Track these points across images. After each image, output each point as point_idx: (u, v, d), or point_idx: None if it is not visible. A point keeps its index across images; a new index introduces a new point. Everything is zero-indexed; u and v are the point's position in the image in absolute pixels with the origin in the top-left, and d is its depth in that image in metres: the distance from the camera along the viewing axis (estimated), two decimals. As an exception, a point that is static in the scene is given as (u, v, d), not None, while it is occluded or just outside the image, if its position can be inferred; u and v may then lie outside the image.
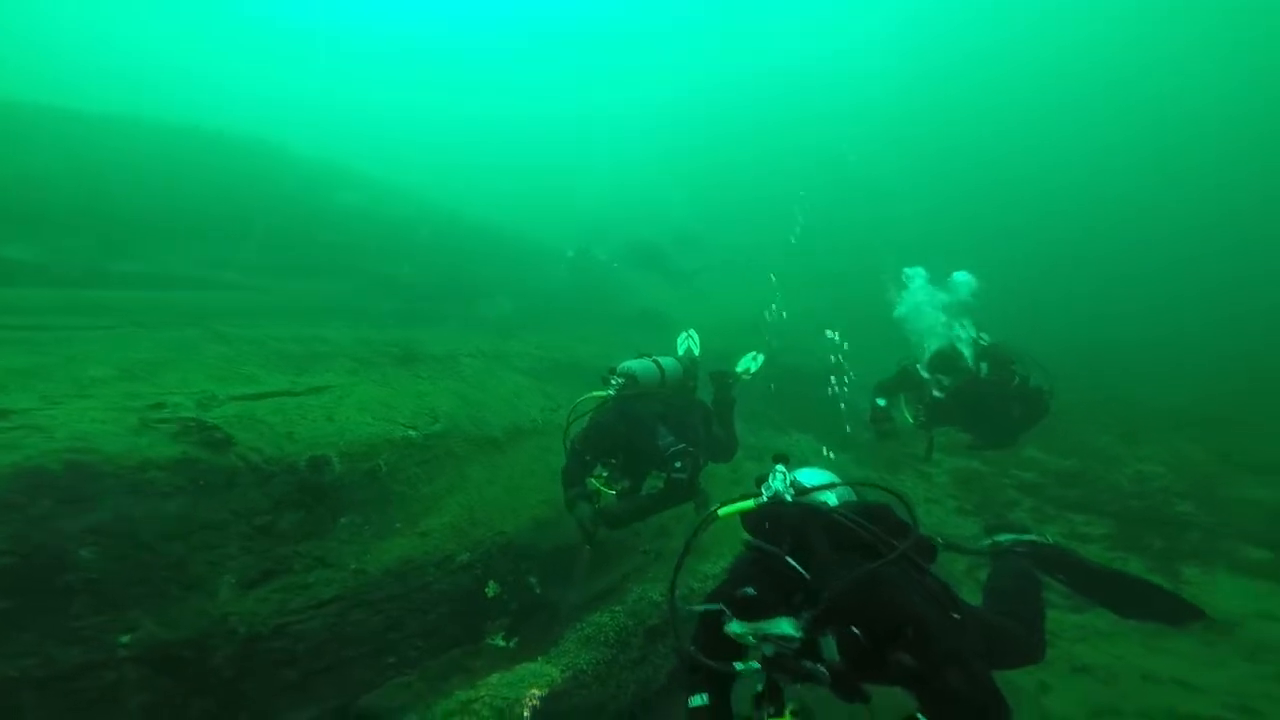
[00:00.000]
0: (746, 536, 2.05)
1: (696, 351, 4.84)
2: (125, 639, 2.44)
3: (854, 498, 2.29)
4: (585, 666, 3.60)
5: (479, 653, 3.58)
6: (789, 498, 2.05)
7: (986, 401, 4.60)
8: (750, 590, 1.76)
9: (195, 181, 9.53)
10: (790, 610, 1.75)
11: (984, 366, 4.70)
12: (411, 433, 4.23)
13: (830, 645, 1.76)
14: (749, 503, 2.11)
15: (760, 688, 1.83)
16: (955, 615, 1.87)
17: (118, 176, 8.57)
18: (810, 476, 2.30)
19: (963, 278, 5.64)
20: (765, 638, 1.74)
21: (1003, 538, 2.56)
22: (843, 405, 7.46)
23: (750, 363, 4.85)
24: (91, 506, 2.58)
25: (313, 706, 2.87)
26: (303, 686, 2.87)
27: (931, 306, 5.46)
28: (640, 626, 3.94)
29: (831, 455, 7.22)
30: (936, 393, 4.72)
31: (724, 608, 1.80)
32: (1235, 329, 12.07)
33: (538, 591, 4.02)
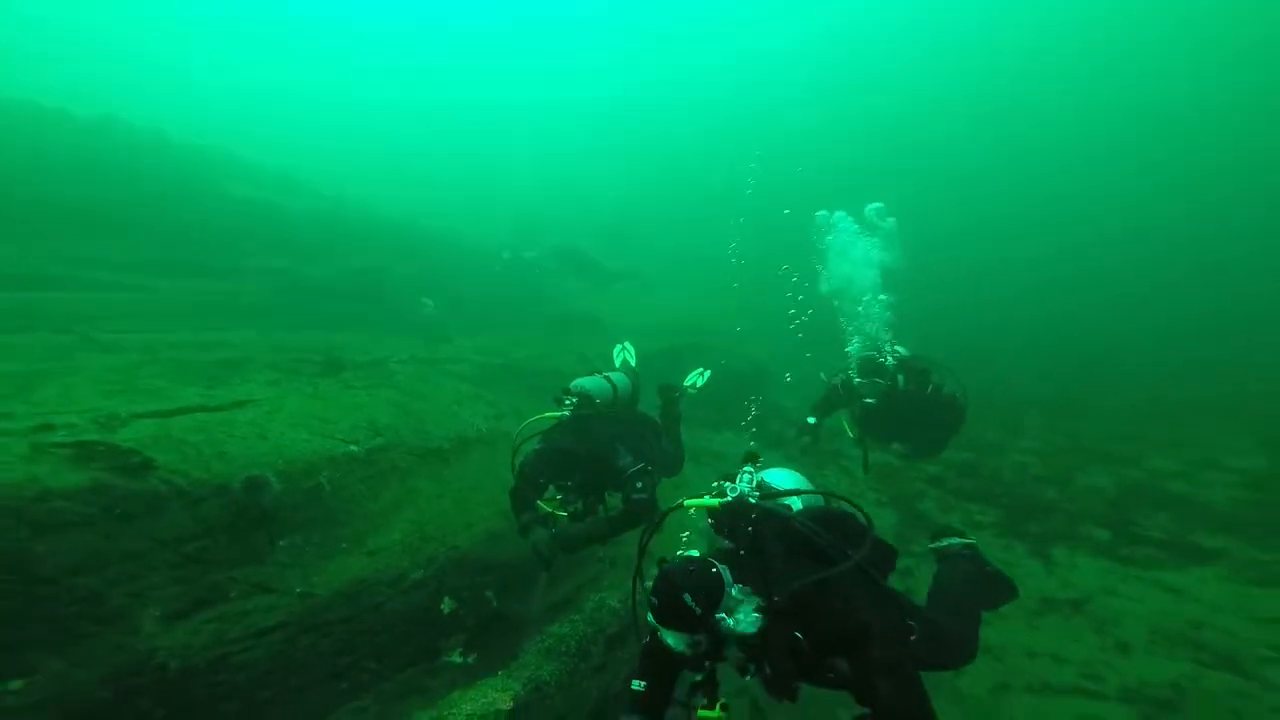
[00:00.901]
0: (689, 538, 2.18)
1: (633, 362, 4.91)
2: (15, 684, 2.17)
3: (819, 502, 2.34)
4: (547, 678, 3.60)
5: (436, 671, 3.49)
6: (753, 499, 2.09)
7: (906, 412, 4.87)
8: (654, 599, 1.86)
9: (56, 170, 8.40)
10: (682, 629, 1.83)
11: (900, 378, 4.96)
12: (353, 448, 4.04)
13: (732, 654, 1.88)
14: (714, 500, 2.17)
15: (699, 678, 1.93)
16: (910, 622, 1.96)
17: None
18: (778, 478, 2.36)
19: (875, 208, 5.93)
20: (663, 639, 1.86)
21: (947, 542, 2.67)
22: (753, 410, 7.78)
23: (697, 378, 4.92)
24: None
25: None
26: (246, 723, 2.68)
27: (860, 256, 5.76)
28: (600, 634, 3.99)
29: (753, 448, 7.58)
30: (869, 399, 4.91)
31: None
32: (1097, 328, 14.02)
33: (495, 605, 3.97)
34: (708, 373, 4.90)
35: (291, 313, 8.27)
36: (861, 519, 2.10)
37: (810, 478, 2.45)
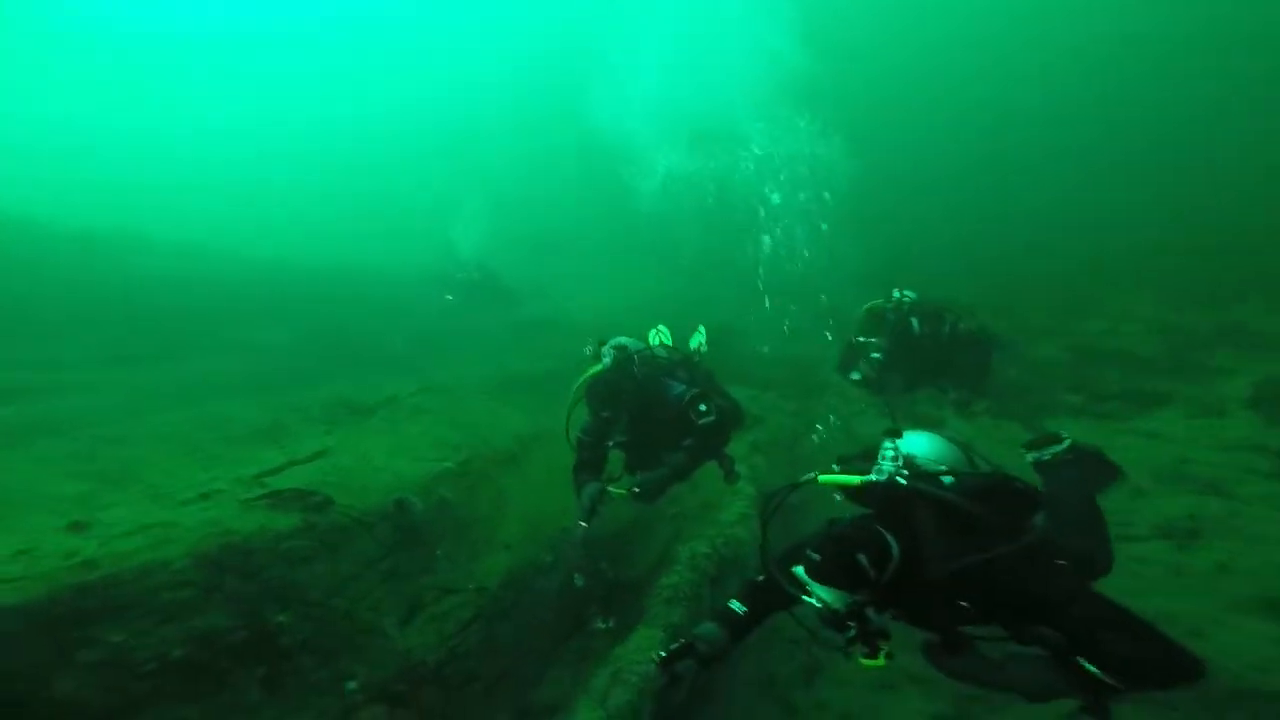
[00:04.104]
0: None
1: (704, 345, 5.04)
2: (352, 685, 2.82)
3: (966, 467, 2.38)
4: (678, 621, 4.46)
5: (591, 636, 4.27)
6: (902, 480, 2.08)
7: (928, 354, 5.32)
8: (815, 555, 1.98)
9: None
10: (844, 587, 1.93)
11: (914, 322, 5.38)
12: (447, 464, 4.69)
13: (880, 619, 1.97)
14: (855, 478, 2.15)
15: (852, 632, 1.97)
16: (1059, 561, 1.98)
17: None
18: (925, 450, 2.36)
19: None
20: (816, 595, 1.98)
21: (1051, 451, 2.66)
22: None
23: (699, 338, 5.07)
24: (258, 578, 2.87)
25: (501, 713, 3.40)
26: (490, 695, 3.38)
27: None
28: (704, 579, 4.88)
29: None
30: (875, 354, 5.44)
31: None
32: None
33: (610, 575, 4.77)
34: (702, 328, 5.09)
35: (265, 379, 8.43)
36: (1020, 485, 2.18)
37: (964, 445, 2.48)
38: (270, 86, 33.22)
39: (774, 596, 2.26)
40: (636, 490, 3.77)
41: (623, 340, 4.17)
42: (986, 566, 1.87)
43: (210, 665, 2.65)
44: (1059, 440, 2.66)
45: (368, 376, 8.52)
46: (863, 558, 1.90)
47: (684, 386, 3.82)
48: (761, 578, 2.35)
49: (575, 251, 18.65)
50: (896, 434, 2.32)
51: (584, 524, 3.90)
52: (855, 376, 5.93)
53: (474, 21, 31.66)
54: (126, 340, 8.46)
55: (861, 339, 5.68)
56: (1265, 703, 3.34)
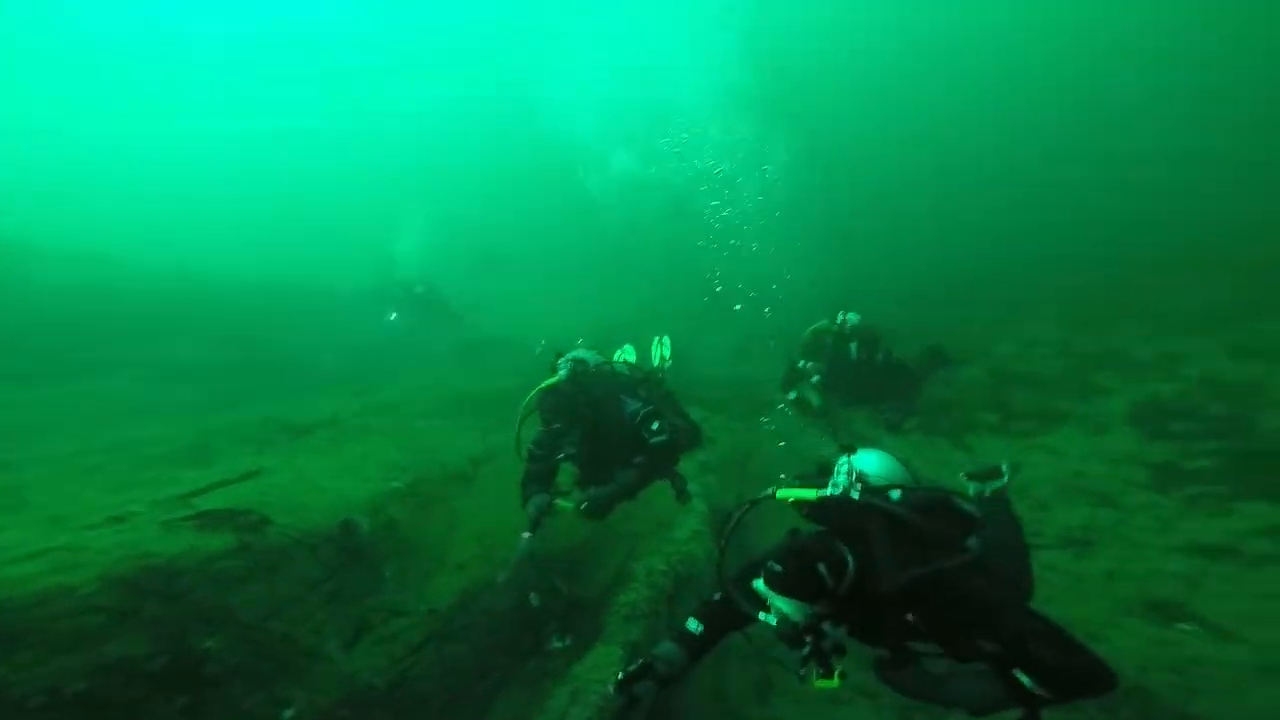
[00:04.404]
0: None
1: (667, 355, 5.04)
2: (289, 712, 2.61)
3: (911, 484, 2.45)
4: (637, 638, 4.41)
5: (549, 656, 4.14)
6: (855, 495, 2.14)
7: (863, 378, 5.74)
8: (777, 566, 1.99)
9: None
10: (803, 598, 1.95)
11: (852, 347, 5.81)
12: (395, 484, 4.49)
13: (837, 633, 2.00)
14: (811, 492, 2.20)
15: (805, 650, 2.00)
16: (996, 578, 2.07)
17: None
18: (877, 468, 2.43)
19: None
20: (776, 609, 1.99)
21: (989, 486, 2.82)
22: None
23: (661, 349, 5.02)
24: (183, 601, 2.64)
25: (451, 735, 3.23)
26: (444, 718, 3.20)
27: None
28: (661, 595, 4.86)
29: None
30: (815, 378, 5.89)
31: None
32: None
33: (565, 592, 4.66)
34: (666, 339, 5.05)
35: (181, 399, 7.83)
36: (959, 504, 2.29)
37: (904, 462, 2.57)
38: (208, 94, 31.65)
39: (730, 616, 2.29)
40: (583, 506, 3.72)
41: (580, 354, 4.13)
42: (934, 580, 1.93)
43: (118, 697, 2.38)
44: (1000, 475, 2.86)
45: (303, 397, 8.07)
46: (822, 567, 1.94)
47: (638, 404, 3.80)
48: (718, 596, 2.37)
49: (525, 267, 18.44)
50: (850, 450, 2.41)
51: (527, 534, 3.80)
52: (791, 396, 6.23)
53: (421, 34, 31.39)
54: (8, 356, 7.68)
55: (802, 363, 5.95)
56: (1150, 698, 3.72)
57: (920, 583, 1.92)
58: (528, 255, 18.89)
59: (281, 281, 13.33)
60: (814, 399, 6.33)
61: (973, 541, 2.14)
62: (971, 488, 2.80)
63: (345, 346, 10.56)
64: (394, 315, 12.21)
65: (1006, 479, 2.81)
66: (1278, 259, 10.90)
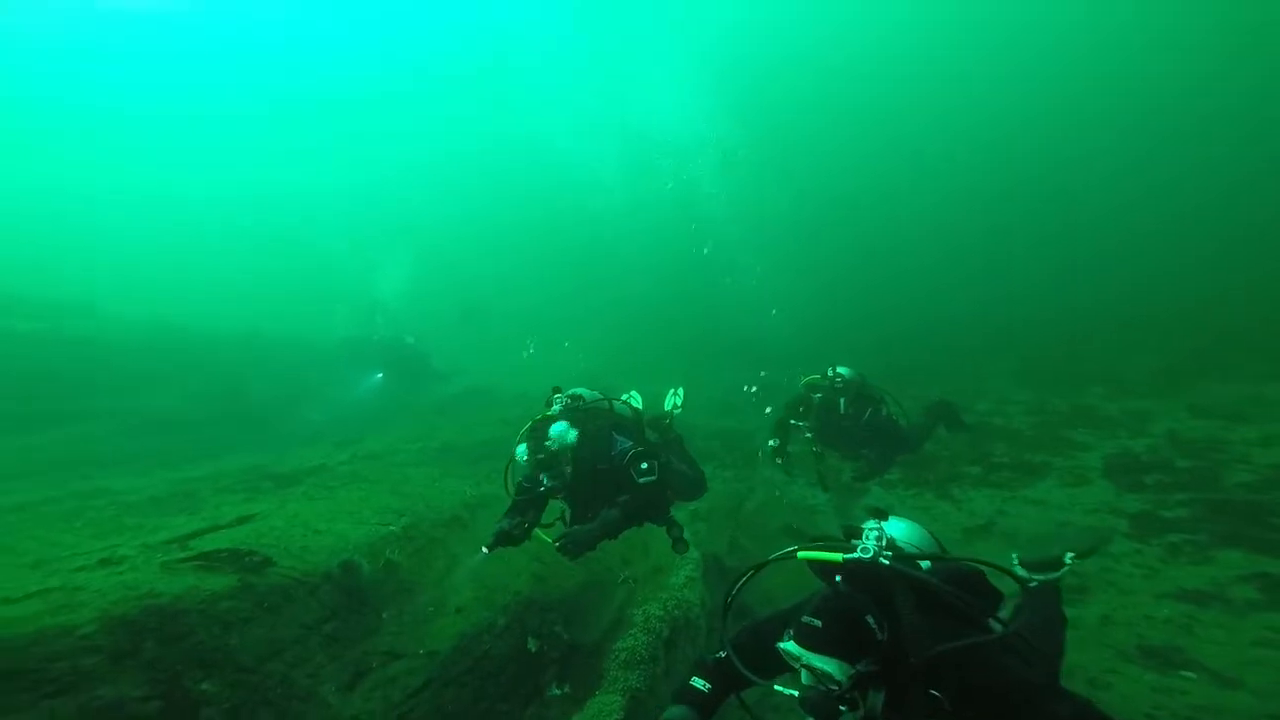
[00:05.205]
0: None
1: (679, 404, 5.03)
2: None
3: (939, 553, 2.36)
4: (637, 684, 4.26)
5: (548, 703, 3.97)
6: (884, 561, 2.02)
7: (849, 433, 5.65)
8: (816, 621, 1.85)
9: None
10: (845, 656, 1.80)
11: (841, 402, 5.69)
12: (392, 528, 4.38)
13: (877, 700, 1.84)
14: (836, 555, 2.07)
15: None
16: (1031, 655, 1.99)
17: None
18: (903, 532, 2.35)
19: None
20: (812, 668, 1.81)
21: (1042, 575, 2.66)
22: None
23: (675, 398, 5.04)
24: (184, 643, 2.53)
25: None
26: (439, 768, 3.03)
27: None
28: (659, 640, 4.73)
29: None
30: (808, 434, 5.82)
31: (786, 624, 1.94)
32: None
33: (565, 637, 4.51)
34: (681, 390, 5.11)
35: (160, 451, 7.59)
36: (986, 578, 2.16)
37: (936, 532, 2.47)
38: (193, 145, 31.63)
39: (734, 677, 2.18)
40: (558, 543, 3.56)
41: (580, 390, 4.10)
42: (966, 654, 1.81)
43: (111, 743, 2.24)
44: (1059, 568, 2.73)
45: (285, 449, 7.88)
46: (870, 619, 1.81)
47: (630, 443, 3.71)
48: (722, 654, 2.23)
49: (508, 314, 18.46)
50: (882, 515, 2.31)
51: (485, 549, 3.66)
52: (772, 444, 6.18)
53: (410, 88, 31.43)
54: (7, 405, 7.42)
55: (794, 421, 5.97)
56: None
57: (950, 656, 1.79)
58: (514, 306, 19.05)
59: (262, 333, 13.16)
60: (796, 450, 6.27)
61: (1005, 617, 2.04)
62: (1023, 573, 2.66)
63: (326, 400, 10.42)
64: (380, 374, 12.08)
65: (1063, 572, 2.66)
66: (1228, 325, 11.60)
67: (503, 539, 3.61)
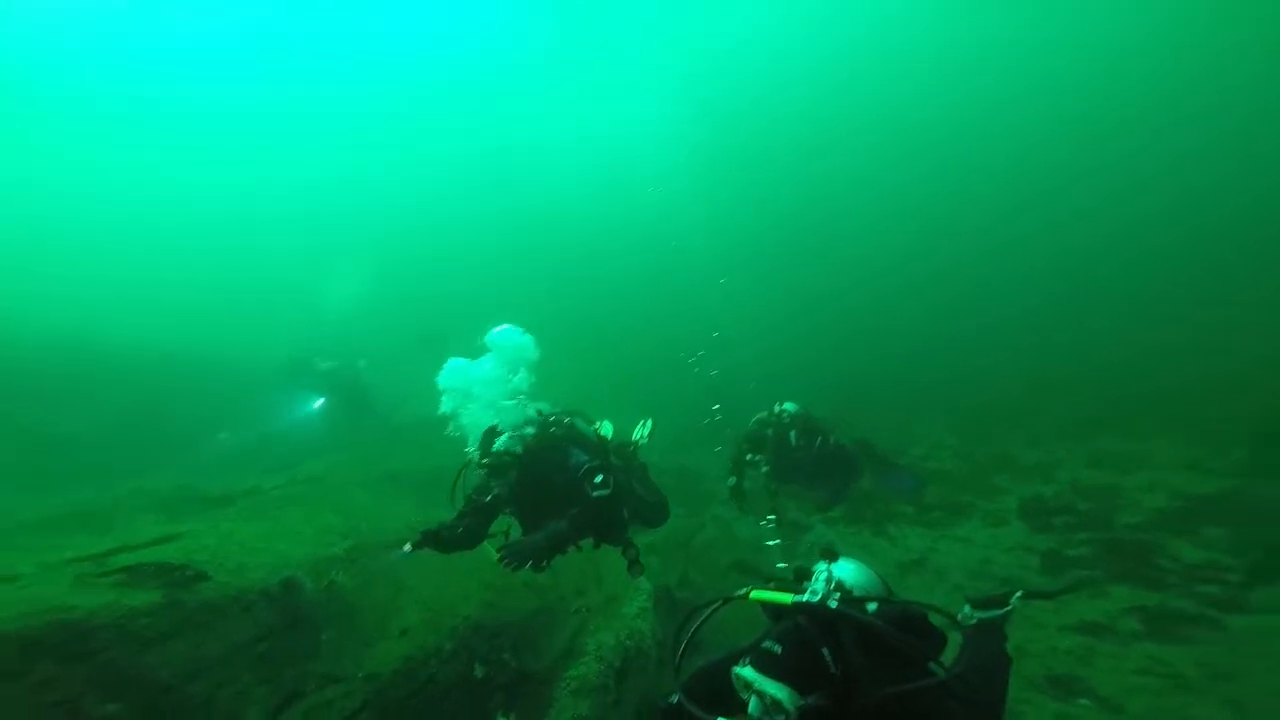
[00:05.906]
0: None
1: (647, 435, 4.84)
2: None
3: (886, 595, 2.36)
4: (586, 713, 4.11)
5: (494, 733, 3.74)
6: (832, 604, 2.04)
7: (802, 465, 5.75)
8: (776, 648, 1.89)
9: None
10: (799, 686, 1.82)
11: (792, 435, 5.78)
12: (335, 549, 4.13)
13: None
14: (786, 596, 2.10)
15: None
16: (974, 698, 2.03)
17: None
18: (851, 574, 2.37)
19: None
20: (763, 694, 1.84)
21: (986, 614, 2.65)
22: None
23: (642, 429, 4.88)
24: (91, 662, 2.28)
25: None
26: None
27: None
28: (610, 670, 4.60)
29: None
30: (764, 469, 5.87)
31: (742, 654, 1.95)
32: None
33: (514, 664, 4.30)
34: (649, 421, 4.93)
35: (65, 472, 6.89)
36: (936, 624, 2.18)
37: (884, 575, 2.50)
38: (135, 143, 29.08)
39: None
40: (500, 552, 3.29)
41: (544, 405, 4.01)
42: (909, 698, 1.83)
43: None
44: (1002, 606, 2.68)
45: (215, 473, 7.29)
46: (827, 652, 1.85)
47: (586, 457, 3.57)
48: (675, 699, 2.15)
49: (470, 340, 17.62)
50: (832, 556, 2.32)
51: (408, 548, 3.42)
52: (730, 483, 6.26)
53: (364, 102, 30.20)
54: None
55: (749, 456, 6.08)
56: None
57: (896, 698, 1.82)
58: (472, 331, 18.29)
59: (190, 349, 12.20)
60: (751, 486, 6.29)
61: (947, 662, 2.05)
62: (975, 615, 2.64)
63: (256, 425, 9.77)
64: (319, 402, 11.31)
65: (1007, 611, 2.63)
66: (1127, 388, 12.71)
67: (430, 539, 3.37)
